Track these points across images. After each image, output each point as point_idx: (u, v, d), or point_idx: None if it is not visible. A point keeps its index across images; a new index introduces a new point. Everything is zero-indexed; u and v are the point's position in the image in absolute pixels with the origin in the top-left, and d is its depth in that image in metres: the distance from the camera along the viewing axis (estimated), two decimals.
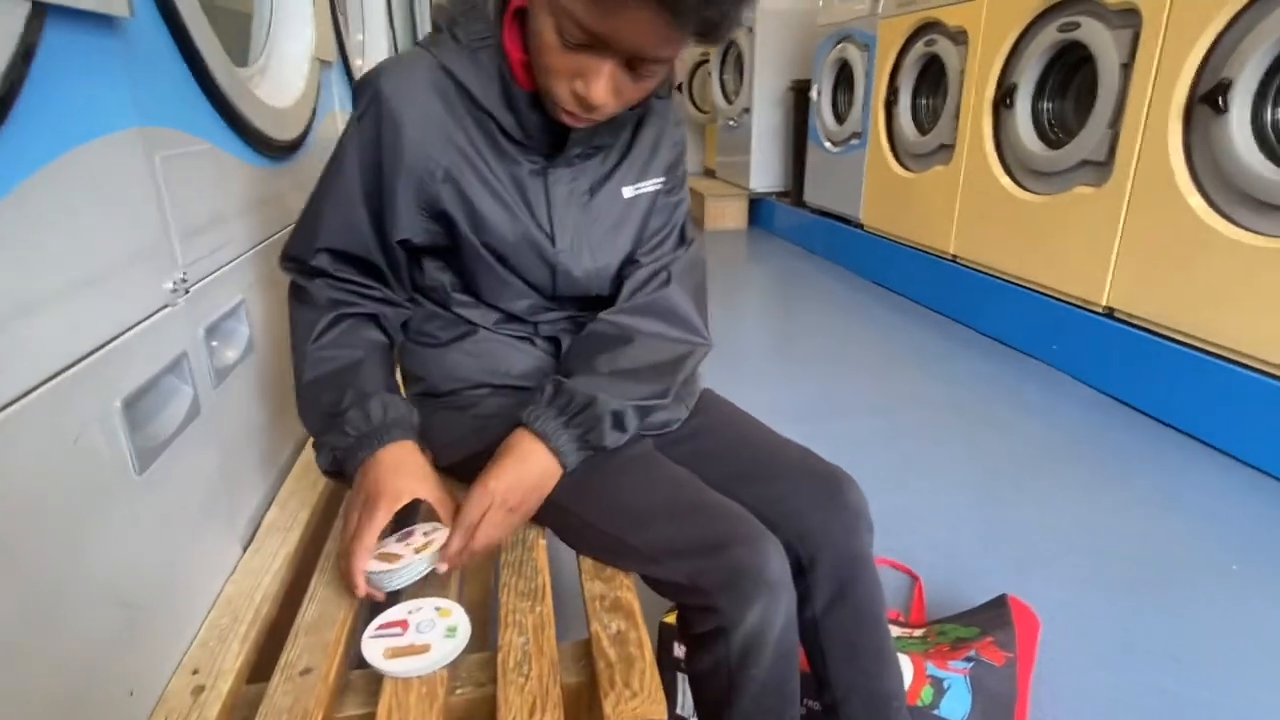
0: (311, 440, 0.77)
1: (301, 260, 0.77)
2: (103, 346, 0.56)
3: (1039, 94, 2.38)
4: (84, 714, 0.52)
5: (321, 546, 0.81)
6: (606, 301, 0.84)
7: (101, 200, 0.59)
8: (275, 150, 1.01)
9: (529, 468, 0.70)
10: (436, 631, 0.64)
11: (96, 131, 0.58)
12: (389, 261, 0.78)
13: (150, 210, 0.66)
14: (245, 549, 0.79)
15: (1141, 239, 1.97)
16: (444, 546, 0.67)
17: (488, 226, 0.76)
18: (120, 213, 0.62)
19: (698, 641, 0.69)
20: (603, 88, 0.65)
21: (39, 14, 0.51)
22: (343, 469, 0.72)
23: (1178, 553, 1.41)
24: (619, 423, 0.72)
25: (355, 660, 0.65)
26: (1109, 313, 2.10)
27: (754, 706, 0.67)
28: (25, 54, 0.49)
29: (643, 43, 0.62)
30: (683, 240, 0.88)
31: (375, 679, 0.63)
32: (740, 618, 0.65)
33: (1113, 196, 2.03)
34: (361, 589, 0.66)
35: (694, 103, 5.69)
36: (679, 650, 0.98)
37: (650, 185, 0.83)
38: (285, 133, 1.05)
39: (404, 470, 0.69)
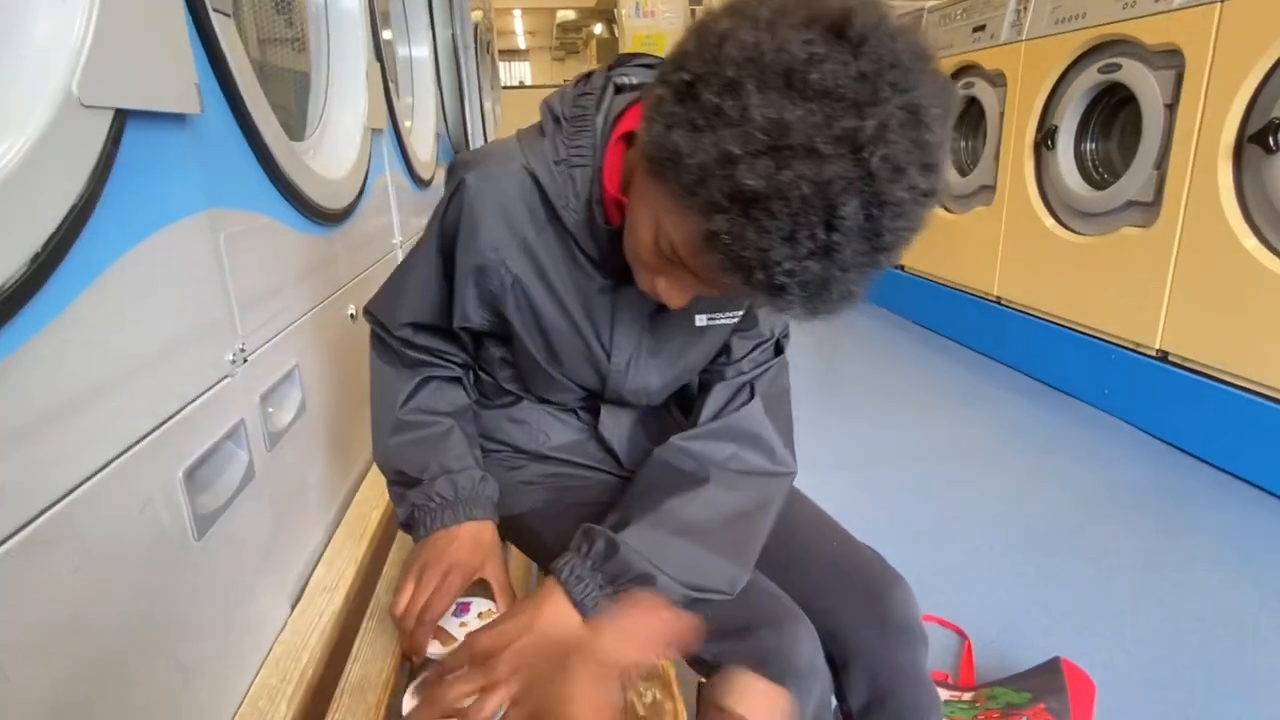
0: (388, 489, 0.79)
1: (386, 323, 0.78)
2: (168, 420, 0.60)
3: (1081, 135, 2.35)
4: None
5: (365, 605, 0.83)
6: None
7: (172, 281, 0.63)
8: (328, 218, 1.07)
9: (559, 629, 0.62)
10: None
11: (171, 218, 0.63)
12: (456, 332, 0.79)
13: (215, 287, 0.71)
14: (294, 607, 0.82)
15: (1194, 281, 1.92)
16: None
17: (547, 335, 0.75)
18: (188, 291, 0.66)
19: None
20: (683, 300, 0.63)
21: (120, 118, 0.56)
22: (415, 527, 0.74)
23: (1247, 614, 1.34)
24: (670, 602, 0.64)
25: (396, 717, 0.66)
26: (1163, 356, 2.04)
27: None
28: (109, 155, 0.54)
29: (738, 294, 0.60)
30: (778, 351, 0.82)
31: None
32: None
33: (1162, 237, 1.99)
34: (423, 654, 0.67)
35: None
36: None
37: (726, 318, 0.77)
38: (338, 202, 1.10)
39: (481, 547, 0.71)
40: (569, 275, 0.72)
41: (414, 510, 0.73)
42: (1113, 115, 2.30)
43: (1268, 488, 1.74)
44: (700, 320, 0.76)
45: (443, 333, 0.79)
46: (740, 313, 0.77)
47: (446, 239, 0.73)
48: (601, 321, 0.74)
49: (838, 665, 0.73)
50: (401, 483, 0.75)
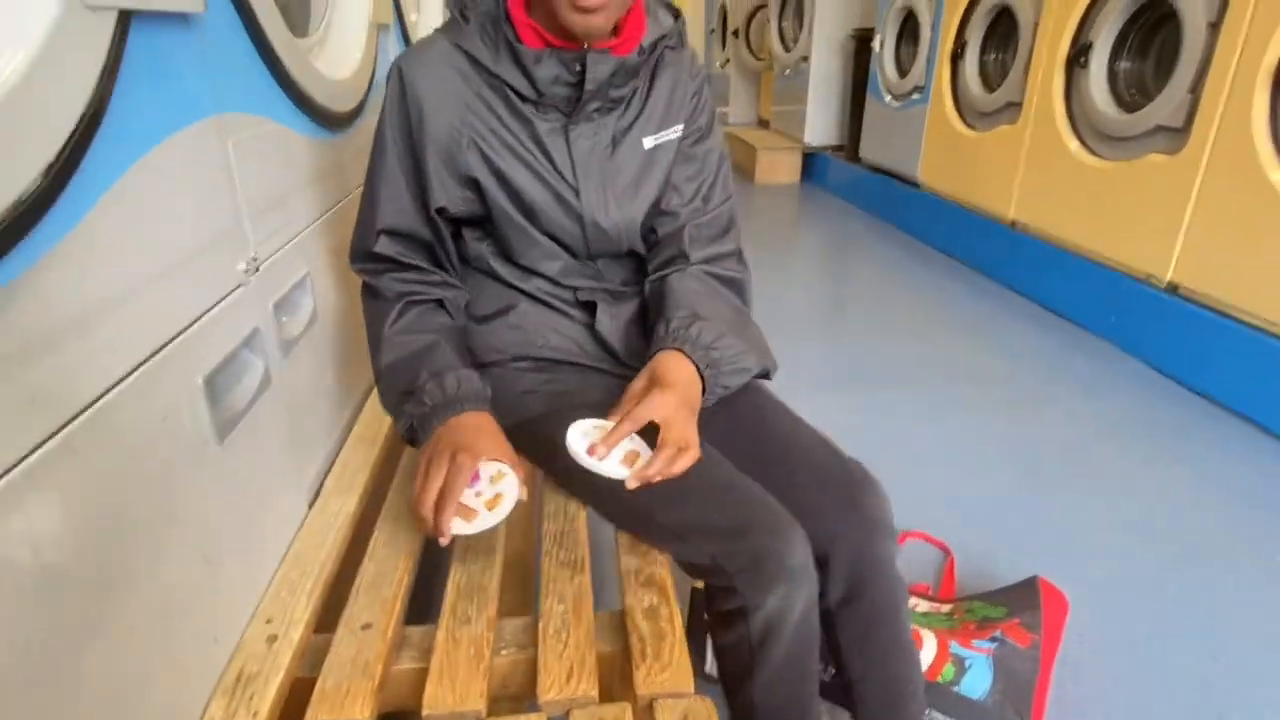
0: (392, 416, 0.81)
1: (366, 249, 0.82)
2: (186, 329, 0.61)
3: (1116, 53, 2.25)
4: (175, 655, 0.58)
5: (379, 507, 0.87)
6: (636, 262, 0.91)
7: (183, 190, 0.63)
8: (335, 122, 1.04)
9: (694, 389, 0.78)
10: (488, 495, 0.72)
11: (179, 124, 0.62)
12: (436, 235, 0.84)
13: (224, 195, 0.70)
14: (311, 506, 0.86)
15: (1214, 213, 1.88)
16: (645, 468, 0.73)
17: (514, 187, 0.81)
18: (199, 200, 0.66)
19: (721, 618, 0.73)
20: None
21: (124, 19, 0.54)
22: (417, 436, 0.76)
23: (1220, 539, 1.39)
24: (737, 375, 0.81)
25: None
26: (1173, 289, 2.03)
27: (773, 680, 0.71)
28: (115, 58, 0.53)
29: None
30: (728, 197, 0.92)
31: (429, 635, 0.69)
32: (761, 601, 0.68)
33: (1187, 166, 1.93)
34: (447, 538, 0.70)
35: (750, 49, 5.52)
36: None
37: (670, 134, 0.86)
38: (344, 104, 1.08)
39: (484, 433, 0.74)
40: (518, 125, 0.80)
41: (411, 420, 0.76)
42: (1151, 33, 2.18)
43: (1261, 423, 1.77)
44: (649, 142, 0.86)
45: (418, 242, 0.84)
46: (680, 127, 0.87)
47: (401, 133, 0.80)
48: (561, 160, 0.81)
49: (820, 562, 0.77)
50: (399, 402, 0.78)
